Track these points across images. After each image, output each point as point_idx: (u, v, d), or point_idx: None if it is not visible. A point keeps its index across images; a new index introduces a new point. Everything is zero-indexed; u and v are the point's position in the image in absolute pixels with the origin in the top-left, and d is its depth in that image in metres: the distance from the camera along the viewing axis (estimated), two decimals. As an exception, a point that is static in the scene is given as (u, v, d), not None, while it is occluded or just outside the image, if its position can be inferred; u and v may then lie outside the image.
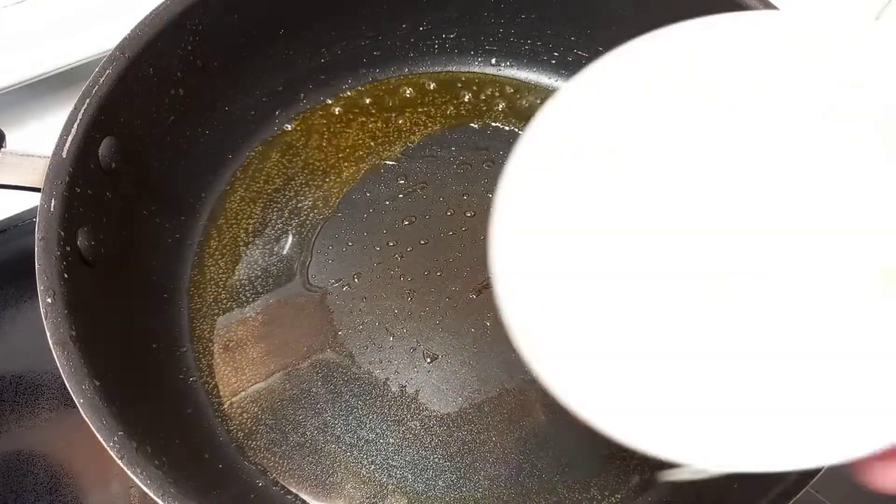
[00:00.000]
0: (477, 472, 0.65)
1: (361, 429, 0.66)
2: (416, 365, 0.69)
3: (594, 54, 0.84)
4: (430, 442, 0.66)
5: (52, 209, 0.53)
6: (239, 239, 0.75)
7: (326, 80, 0.83)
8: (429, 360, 0.69)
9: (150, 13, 0.62)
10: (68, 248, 0.54)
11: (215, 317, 0.71)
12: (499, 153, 0.81)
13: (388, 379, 0.68)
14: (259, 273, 0.73)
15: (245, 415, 0.66)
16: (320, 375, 0.68)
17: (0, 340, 0.74)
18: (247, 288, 0.72)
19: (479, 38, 0.86)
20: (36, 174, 0.56)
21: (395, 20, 0.82)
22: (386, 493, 0.64)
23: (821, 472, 0.48)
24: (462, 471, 0.65)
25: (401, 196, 0.78)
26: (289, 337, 0.70)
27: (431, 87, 0.86)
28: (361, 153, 0.81)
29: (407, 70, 0.87)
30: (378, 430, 0.66)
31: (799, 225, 0.31)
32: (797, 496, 0.48)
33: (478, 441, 0.66)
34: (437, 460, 0.65)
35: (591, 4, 0.78)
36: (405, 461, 0.65)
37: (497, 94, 0.86)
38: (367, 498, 0.63)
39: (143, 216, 0.67)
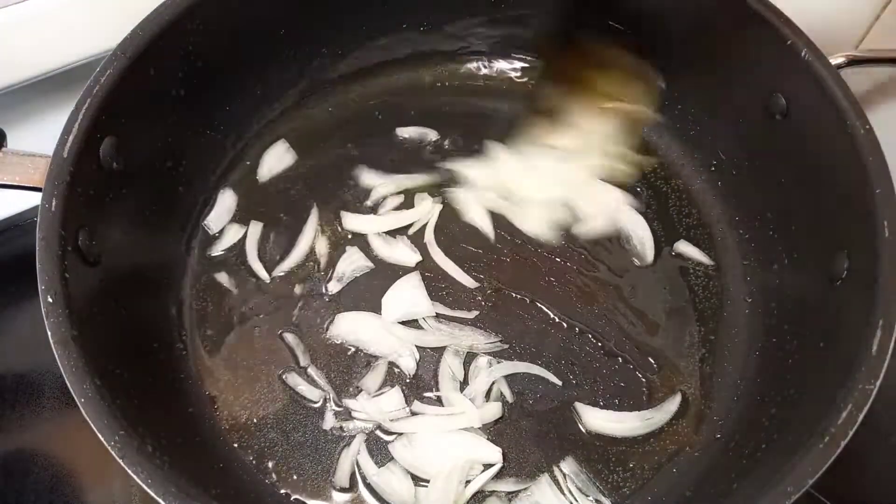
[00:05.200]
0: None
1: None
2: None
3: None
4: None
5: (52, 209, 0.53)
6: (241, 239, 0.75)
7: (328, 80, 0.84)
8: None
9: (152, 13, 0.62)
10: (69, 248, 0.54)
11: (217, 316, 0.71)
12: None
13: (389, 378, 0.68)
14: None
15: (246, 414, 0.66)
16: (321, 375, 0.69)
17: (1, 340, 0.74)
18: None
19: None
20: (37, 174, 0.57)
21: (397, 20, 0.82)
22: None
23: (820, 472, 0.49)
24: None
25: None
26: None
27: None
28: (363, 153, 0.82)
29: (409, 67, 0.87)
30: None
31: None
32: (797, 496, 0.48)
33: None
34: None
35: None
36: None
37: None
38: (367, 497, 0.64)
39: (144, 216, 0.67)
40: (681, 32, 0.72)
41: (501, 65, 0.87)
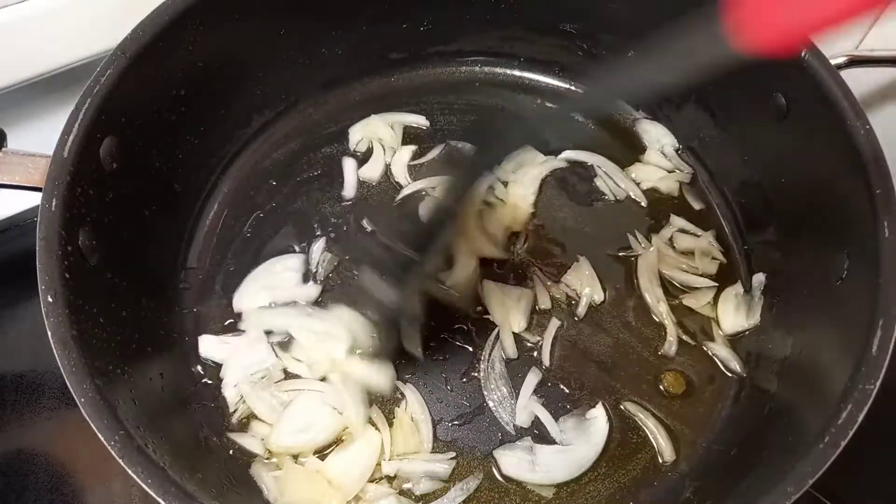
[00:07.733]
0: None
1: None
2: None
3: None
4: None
5: (53, 209, 0.53)
6: (241, 238, 0.75)
7: (327, 81, 0.84)
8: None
9: (152, 13, 0.62)
10: (69, 248, 0.54)
11: (218, 316, 0.71)
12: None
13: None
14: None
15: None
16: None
17: (1, 340, 0.74)
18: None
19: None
20: (37, 174, 0.57)
21: (397, 19, 0.82)
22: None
23: (820, 472, 0.49)
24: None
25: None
26: (289, 336, 0.70)
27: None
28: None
29: (406, 70, 0.87)
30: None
31: None
32: (797, 496, 0.48)
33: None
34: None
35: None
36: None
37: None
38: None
39: (144, 216, 0.67)
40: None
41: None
